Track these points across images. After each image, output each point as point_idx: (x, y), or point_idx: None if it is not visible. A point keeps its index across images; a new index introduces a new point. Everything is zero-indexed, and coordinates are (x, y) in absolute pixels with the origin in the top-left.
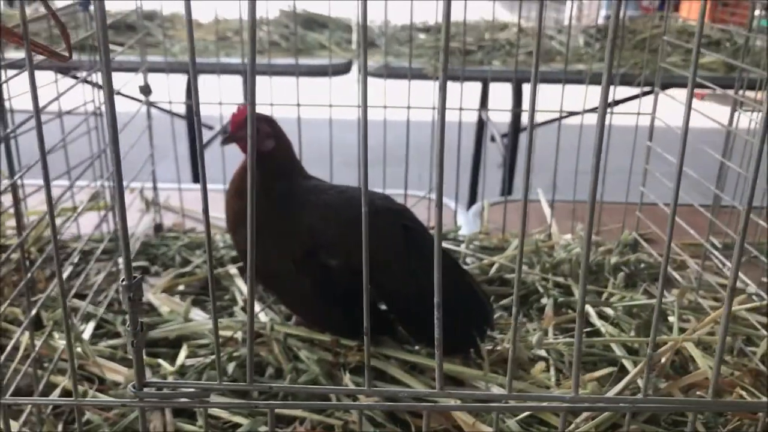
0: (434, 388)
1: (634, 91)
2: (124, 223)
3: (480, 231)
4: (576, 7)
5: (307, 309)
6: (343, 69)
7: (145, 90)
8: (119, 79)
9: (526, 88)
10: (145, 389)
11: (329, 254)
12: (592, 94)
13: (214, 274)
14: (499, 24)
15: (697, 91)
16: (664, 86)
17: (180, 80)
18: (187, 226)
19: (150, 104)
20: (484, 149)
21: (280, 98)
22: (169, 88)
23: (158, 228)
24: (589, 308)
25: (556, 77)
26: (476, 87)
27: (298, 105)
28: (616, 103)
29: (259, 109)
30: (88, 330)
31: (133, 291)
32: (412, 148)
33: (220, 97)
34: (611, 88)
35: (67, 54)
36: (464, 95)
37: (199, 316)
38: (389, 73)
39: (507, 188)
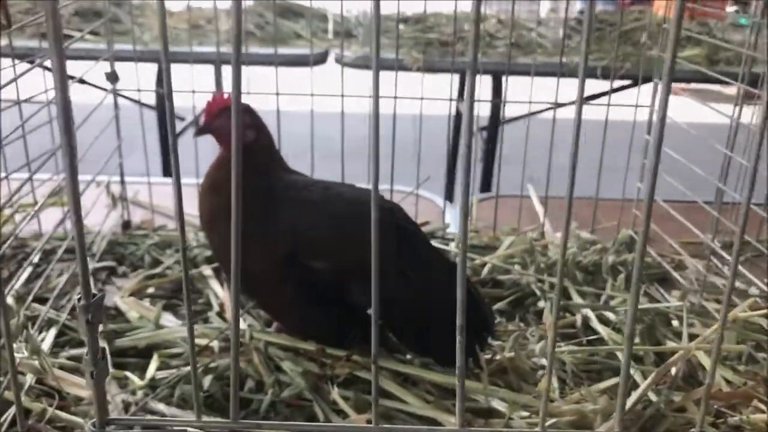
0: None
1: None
2: (80, 222)
3: (469, 229)
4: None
5: (289, 315)
6: (320, 59)
7: (112, 77)
8: (85, 68)
9: (512, 80)
10: (108, 427)
11: (313, 255)
12: (573, 87)
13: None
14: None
15: (674, 86)
16: (647, 79)
17: (150, 70)
18: (157, 222)
19: (116, 93)
20: (475, 141)
21: (256, 89)
22: (139, 78)
23: (126, 225)
24: (589, 313)
25: (538, 70)
26: (454, 78)
27: (277, 94)
28: (614, 91)
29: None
30: (48, 338)
31: (92, 312)
32: (387, 139)
33: (192, 87)
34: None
35: (5, 22)
36: (441, 87)
37: (170, 322)
38: (369, 64)
39: (487, 183)
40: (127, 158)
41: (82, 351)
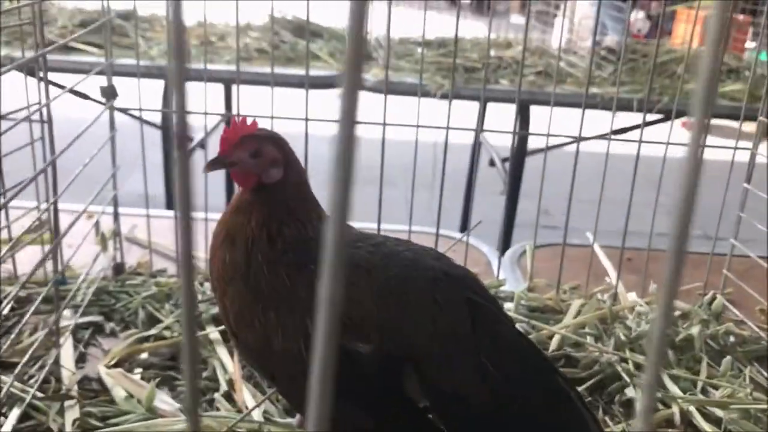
0: None
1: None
2: None
3: (527, 286)
4: (567, 29)
5: None
6: (339, 81)
7: (108, 92)
8: (80, 81)
9: (534, 110)
10: None
11: (358, 336)
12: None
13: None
14: (504, 41)
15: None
16: (681, 113)
17: (156, 86)
18: (155, 265)
19: (114, 109)
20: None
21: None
22: (140, 94)
23: (118, 269)
24: (692, 409)
25: (570, 101)
26: (473, 106)
27: (306, 120)
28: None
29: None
30: (8, 424)
31: None
32: (403, 167)
33: (205, 107)
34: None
35: None
36: (459, 114)
37: (166, 403)
38: (391, 89)
39: (510, 218)
40: (127, 178)
41: None
